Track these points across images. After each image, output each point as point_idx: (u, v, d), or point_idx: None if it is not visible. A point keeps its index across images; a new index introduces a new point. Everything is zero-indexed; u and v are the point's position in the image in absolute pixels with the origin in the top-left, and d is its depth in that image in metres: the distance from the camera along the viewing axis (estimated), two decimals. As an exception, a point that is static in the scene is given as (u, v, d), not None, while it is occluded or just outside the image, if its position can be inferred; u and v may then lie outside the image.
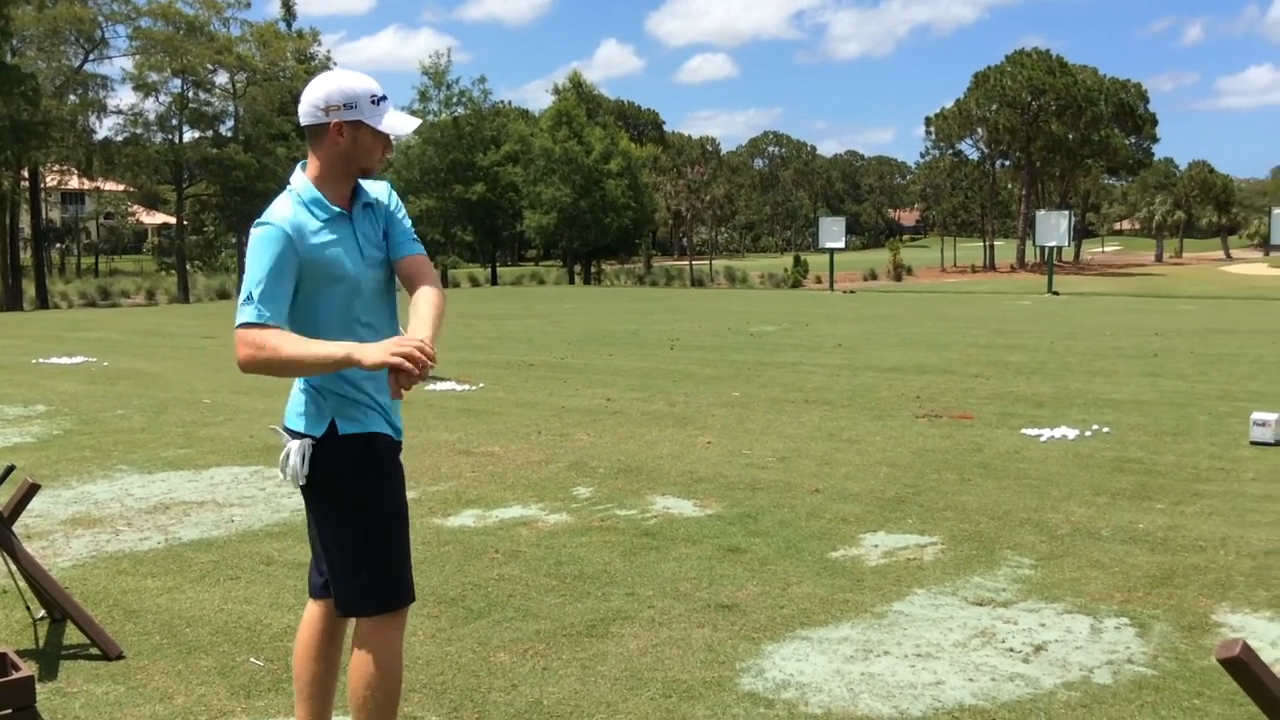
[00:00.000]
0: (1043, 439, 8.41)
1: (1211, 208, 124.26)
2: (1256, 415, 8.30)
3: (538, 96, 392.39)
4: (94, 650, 4.15)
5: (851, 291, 36.33)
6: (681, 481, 7.04)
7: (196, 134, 47.98)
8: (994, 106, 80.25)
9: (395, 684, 2.92)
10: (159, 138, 47.61)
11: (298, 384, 2.90)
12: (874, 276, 68.33)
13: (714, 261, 76.47)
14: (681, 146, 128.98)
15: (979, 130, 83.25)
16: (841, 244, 38.27)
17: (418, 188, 56.53)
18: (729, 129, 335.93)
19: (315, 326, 2.78)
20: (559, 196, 57.75)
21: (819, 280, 55.90)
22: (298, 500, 6.55)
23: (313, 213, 2.80)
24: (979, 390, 11.18)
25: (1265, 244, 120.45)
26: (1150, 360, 13.91)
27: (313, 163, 2.88)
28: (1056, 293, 33.46)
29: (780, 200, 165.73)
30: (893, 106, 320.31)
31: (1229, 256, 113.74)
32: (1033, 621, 4.50)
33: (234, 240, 54.37)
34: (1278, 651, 4.14)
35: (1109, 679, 3.90)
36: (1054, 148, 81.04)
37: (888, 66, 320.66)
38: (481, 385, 11.70)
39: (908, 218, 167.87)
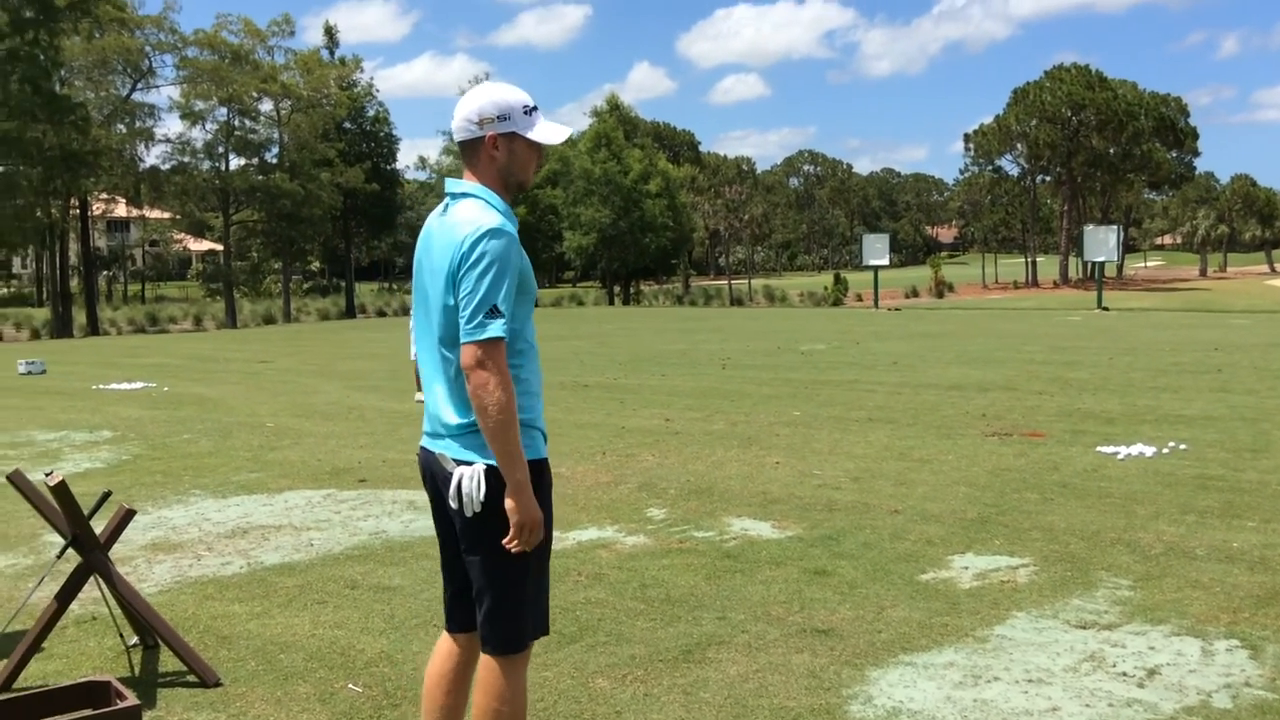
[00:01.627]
0: (1120, 457, 8.25)
1: (1255, 221, 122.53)
2: (1341, 431, 8.10)
3: (572, 119, 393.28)
4: (190, 677, 4.13)
5: (897, 309, 36.08)
6: (755, 502, 6.96)
7: (242, 161, 48.52)
8: (1034, 122, 79.77)
9: (523, 718, 2.86)
10: (205, 165, 48.21)
11: (464, 418, 2.75)
12: (915, 294, 67.92)
13: (752, 280, 76.36)
14: (717, 166, 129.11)
15: (1019, 146, 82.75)
16: (886, 261, 38.06)
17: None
18: (762, 149, 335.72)
19: (511, 342, 2.73)
20: (598, 217, 57.95)
21: (860, 298, 55.63)
22: (374, 524, 6.55)
23: (512, 221, 2.78)
24: (1045, 407, 11.01)
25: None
26: (1215, 376, 13.67)
27: (471, 180, 2.84)
28: (1106, 308, 33.04)
29: (816, 219, 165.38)
30: (926, 124, 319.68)
31: (1274, 270, 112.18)
32: (1141, 645, 4.37)
33: (277, 266, 54.93)
34: (1404, 676, 3.99)
35: (1229, 703, 3.78)
36: (1095, 163, 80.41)
37: (920, 84, 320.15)
38: (539, 407, 11.67)
39: (946, 234, 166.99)
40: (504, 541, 2.73)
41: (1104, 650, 4.32)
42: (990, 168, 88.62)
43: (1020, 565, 5.51)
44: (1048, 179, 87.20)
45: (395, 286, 77.19)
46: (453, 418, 2.78)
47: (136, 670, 4.30)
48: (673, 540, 6.09)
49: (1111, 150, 79.29)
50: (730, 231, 75.72)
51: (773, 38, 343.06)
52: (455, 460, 2.76)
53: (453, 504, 2.75)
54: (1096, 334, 22.75)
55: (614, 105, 64.82)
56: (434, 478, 2.88)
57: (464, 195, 2.80)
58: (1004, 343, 20.43)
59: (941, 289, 71.31)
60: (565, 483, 7.68)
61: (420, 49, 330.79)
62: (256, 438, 10.01)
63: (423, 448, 2.93)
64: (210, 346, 25.71)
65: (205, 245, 72.97)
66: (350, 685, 4.09)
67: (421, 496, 7.34)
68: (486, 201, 2.78)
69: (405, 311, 44.75)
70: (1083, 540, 5.93)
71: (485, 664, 2.84)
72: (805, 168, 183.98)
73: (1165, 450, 8.45)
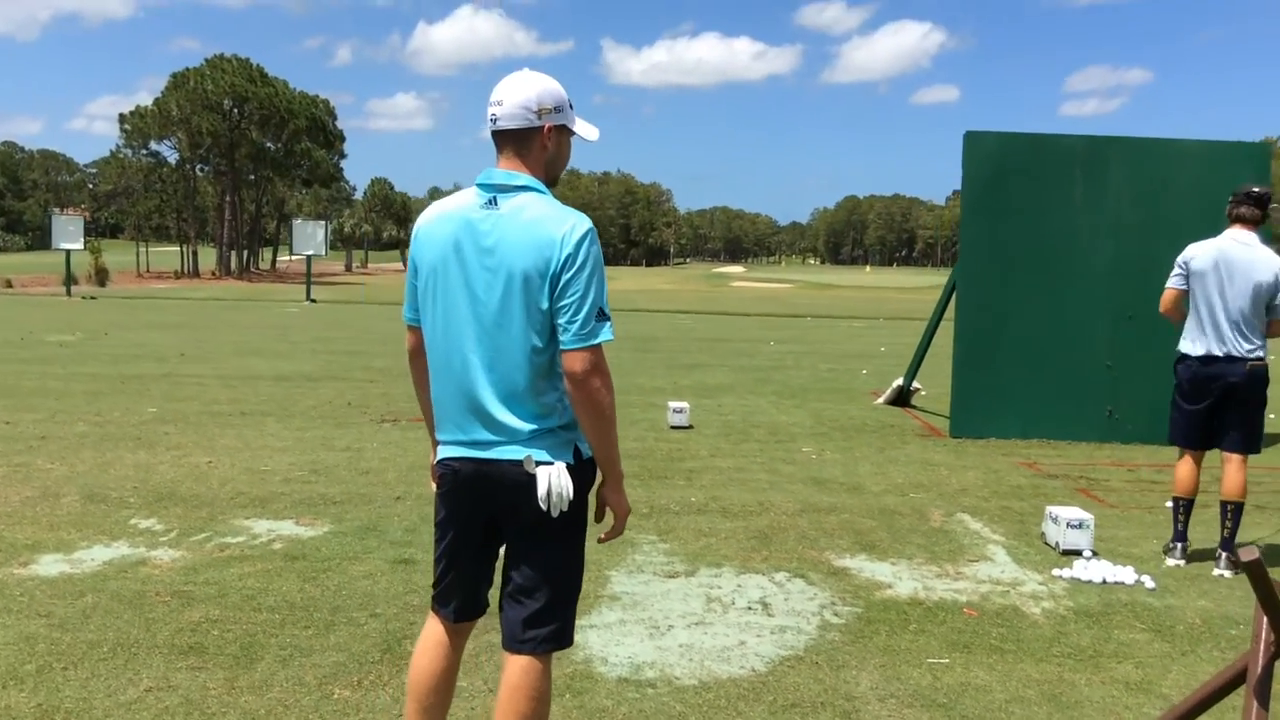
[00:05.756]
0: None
1: (391, 222, 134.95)
2: (673, 404, 9.93)
3: None
4: None
5: (93, 298, 33.50)
6: (245, 503, 6.56)
7: None
8: (194, 111, 78.55)
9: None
10: None
11: (534, 423, 2.66)
12: (76, 281, 62.90)
13: None
14: None
15: (179, 133, 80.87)
16: (80, 244, 34.99)
17: None
18: None
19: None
20: None
21: (9, 284, 50.26)
22: None
23: None
24: (395, 394, 11.58)
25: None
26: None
27: (515, 169, 2.68)
28: (314, 300, 34.28)
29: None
30: (41, 96, 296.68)
31: (405, 267, 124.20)
32: (729, 585, 5.24)
33: None
34: (906, 584, 5.39)
35: (839, 619, 4.80)
36: (257, 157, 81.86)
37: (33, 53, 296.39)
38: None
39: (76, 216, 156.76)
40: (601, 537, 2.84)
41: (711, 593, 5.11)
42: (146, 152, 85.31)
43: (558, 534, 6.09)
44: (208, 168, 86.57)
45: None
46: (521, 423, 2.65)
47: None
48: (212, 549, 5.57)
49: (273, 146, 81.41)
50: None
51: None
52: (537, 461, 2.64)
53: (542, 505, 2.63)
54: (334, 326, 23.74)
55: None
56: (488, 484, 2.70)
57: (523, 188, 2.66)
58: (266, 333, 20.45)
59: (103, 276, 66.97)
60: (-19, 500, 6.44)
61: None
62: None
63: (464, 458, 2.72)
64: None
65: None
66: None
67: None
68: (548, 195, 2.69)
69: None
70: (577, 509, 6.68)
71: (526, 667, 2.72)
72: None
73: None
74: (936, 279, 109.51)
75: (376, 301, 41.89)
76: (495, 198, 2.66)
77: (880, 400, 11.95)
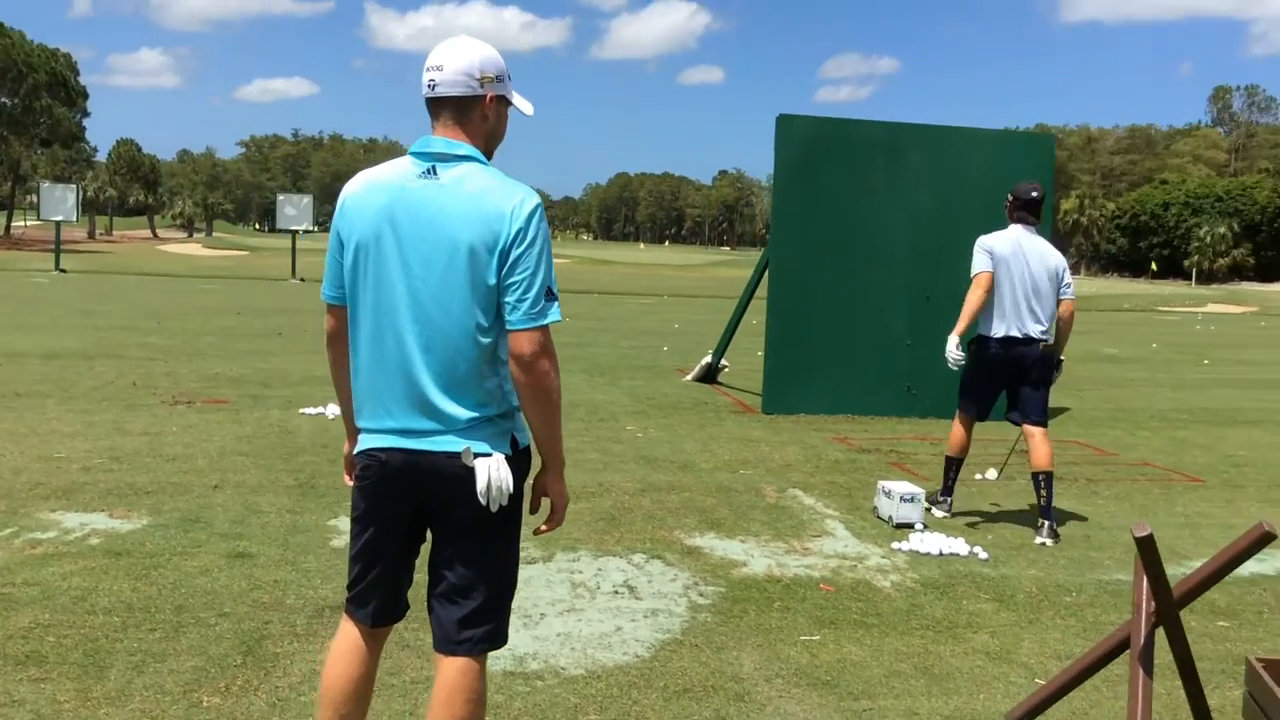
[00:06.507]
0: (330, 415, 8.77)
1: (139, 186, 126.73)
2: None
3: None
4: None
5: None
6: (43, 494, 5.99)
7: None
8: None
9: None
10: None
11: (474, 410, 2.49)
12: None
13: None
14: None
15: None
16: None
17: None
18: None
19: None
20: None
21: None
22: None
23: None
24: (179, 373, 10.88)
25: (188, 225, 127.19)
26: (277, 339, 14.71)
27: (455, 138, 2.51)
28: (64, 270, 31.81)
29: None
30: None
31: (156, 235, 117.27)
32: (588, 569, 5.17)
33: None
34: (759, 562, 5.47)
35: (705, 599, 4.82)
36: (-10, 112, 75.32)
37: None
38: None
39: None
40: (539, 528, 2.75)
41: (574, 578, 5.03)
42: None
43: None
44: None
45: None
46: (461, 411, 2.48)
47: None
48: (22, 546, 5.07)
49: (9, 101, 75.03)
50: None
51: None
52: (475, 454, 2.48)
53: (481, 500, 2.47)
54: (95, 297, 22.13)
55: None
56: (419, 477, 2.52)
57: (465, 158, 2.49)
58: (18, 305, 18.82)
59: None
60: None
61: None
62: None
63: (394, 448, 2.52)
64: None
65: None
66: None
67: None
68: (490, 167, 2.53)
69: None
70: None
71: (463, 669, 2.58)
72: None
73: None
74: (707, 258, 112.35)
75: (132, 272, 39.38)
76: (434, 167, 2.50)
77: (689, 377, 12.13)
